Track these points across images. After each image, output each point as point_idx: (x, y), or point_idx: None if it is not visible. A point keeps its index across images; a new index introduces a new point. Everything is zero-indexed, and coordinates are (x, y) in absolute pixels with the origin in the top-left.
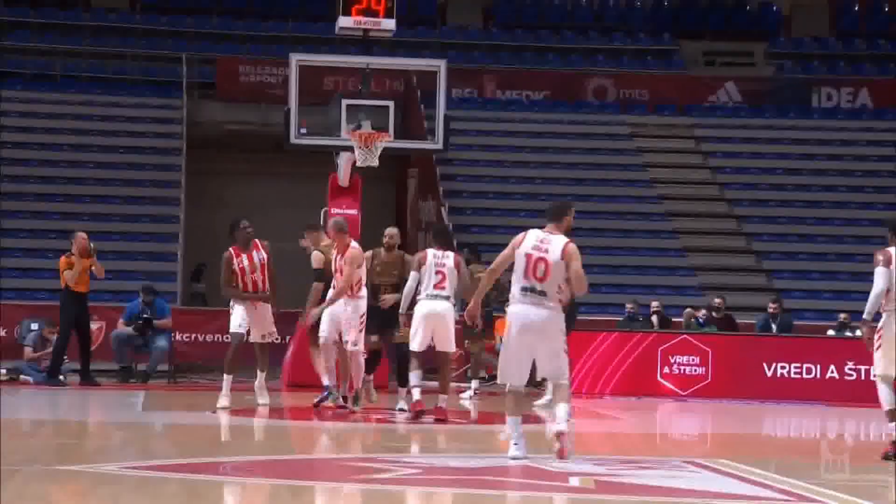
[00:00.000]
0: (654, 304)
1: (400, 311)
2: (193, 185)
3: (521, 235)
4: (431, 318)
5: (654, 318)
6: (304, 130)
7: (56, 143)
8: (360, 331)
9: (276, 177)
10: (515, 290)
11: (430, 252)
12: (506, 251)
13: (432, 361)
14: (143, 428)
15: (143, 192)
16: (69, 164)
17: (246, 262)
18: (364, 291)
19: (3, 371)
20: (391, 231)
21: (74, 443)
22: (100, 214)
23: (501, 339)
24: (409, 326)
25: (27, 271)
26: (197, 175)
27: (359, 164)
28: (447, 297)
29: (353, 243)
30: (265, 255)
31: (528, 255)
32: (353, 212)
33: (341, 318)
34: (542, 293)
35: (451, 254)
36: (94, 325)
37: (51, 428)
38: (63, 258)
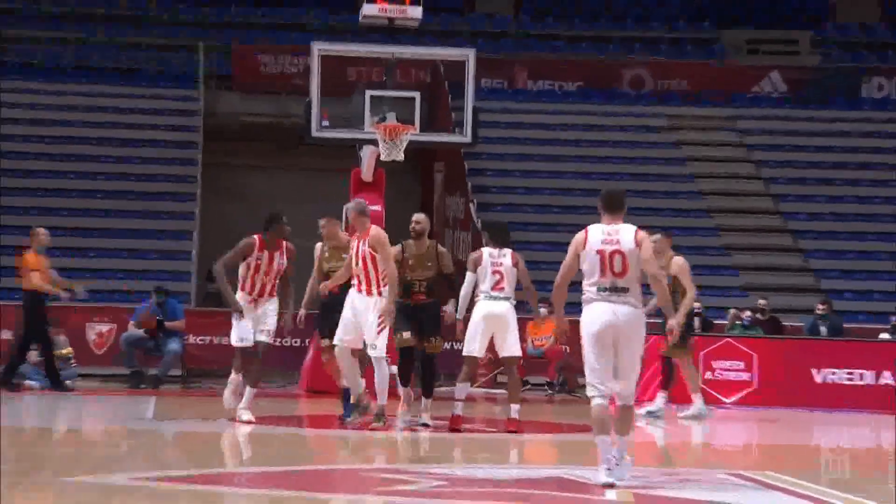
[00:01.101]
0: (696, 305)
1: (457, 315)
2: (210, 179)
3: (580, 235)
4: (491, 321)
5: (696, 321)
6: (325, 123)
7: (66, 136)
8: (381, 333)
9: (296, 171)
10: (591, 290)
11: (486, 251)
12: (568, 259)
13: (450, 367)
14: (153, 436)
15: (158, 188)
16: (79, 158)
17: (265, 261)
18: (386, 288)
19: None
20: (419, 217)
21: (81, 452)
22: (112, 210)
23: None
24: (464, 331)
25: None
26: (214, 169)
27: (383, 158)
28: (507, 299)
29: (376, 227)
30: (285, 263)
31: (599, 252)
32: (377, 208)
33: (359, 320)
34: (624, 290)
35: (507, 252)
36: (103, 328)
37: (57, 436)
38: (30, 256)
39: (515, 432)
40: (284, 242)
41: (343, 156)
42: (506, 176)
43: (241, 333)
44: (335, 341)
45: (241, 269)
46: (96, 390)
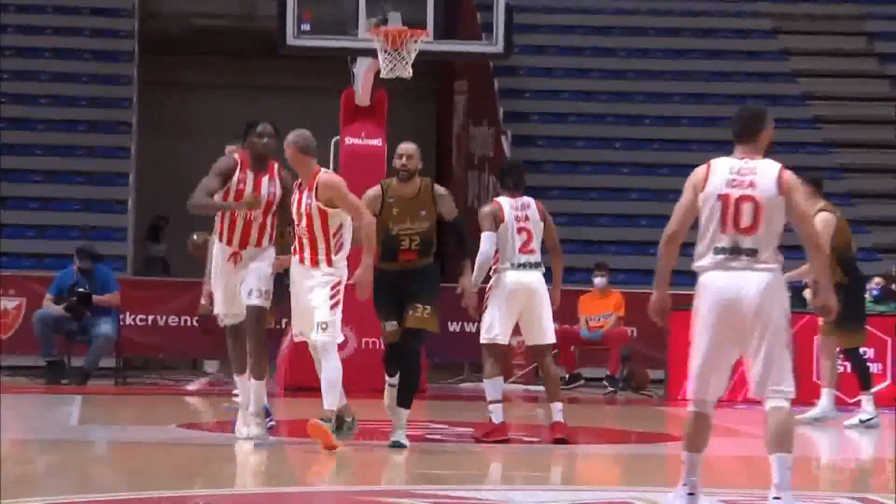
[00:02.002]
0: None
1: (472, 285)
2: (149, 104)
3: (700, 170)
4: (520, 298)
5: (807, 294)
6: (306, 27)
7: None
8: (333, 310)
9: (267, 93)
10: (704, 253)
11: (506, 202)
12: (683, 201)
13: (470, 353)
14: (79, 447)
15: (79, 114)
16: None
17: (249, 184)
18: (343, 254)
19: None
20: (405, 148)
21: None
22: (17, 145)
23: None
24: (479, 308)
25: None
26: (154, 90)
27: (384, 74)
28: (538, 266)
29: (325, 170)
30: (279, 189)
31: (722, 198)
32: (376, 142)
33: (304, 302)
34: (753, 252)
35: (530, 200)
36: (9, 304)
37: None
38: None
39: (564, 441)
40: (274, 164)
41: (330, 72)
42: (551, 98)
43: (222, 306)
44: (296, 334)
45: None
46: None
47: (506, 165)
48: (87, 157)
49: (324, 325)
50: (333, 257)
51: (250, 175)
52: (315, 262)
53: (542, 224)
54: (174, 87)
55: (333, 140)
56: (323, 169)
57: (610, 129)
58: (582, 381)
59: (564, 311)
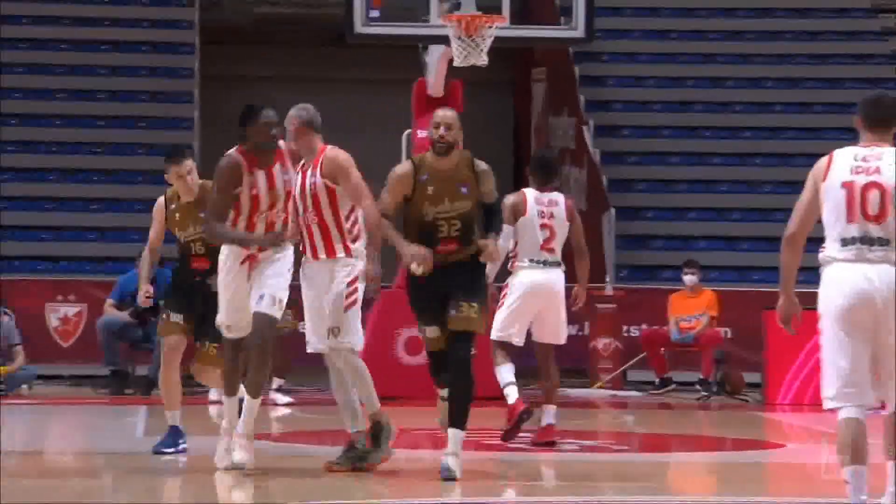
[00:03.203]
0: None
1: (488, 278)
2: (212, 99)
3: (822, 162)
4: (537, 297)
5: None
6: (375, 13)
7: (4, 38)
8: (349, 310)
9: (335, 85)
10: (831, 244)
11: (532, 195)
12: (803, 198)
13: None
14: (145, 461)
15: (139, 110)
16: (27, 69)
17: (262, 184)
18: (361, 244)
19: None
20: (443, 115)
21: (45, 485)
22: (75, 144)
23: None
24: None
25: None
26: (217, 84)
27: (458, 63)
28: (558, 264)
29: (333, 147)
30: (294, 173)
31: (846, 186)
32: None
33: (322, 297)
34: (884, 242)
35: (560, 197)
36: (70, 310)
37: (10, 462)
38: None
39: (550, 443)
40: (284, 151)
41: (402, 62)
42: (636, 86)
43: (227, 317)
44: (312, 348)
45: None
46: (61, 398)
47: (535, 157)
48: (147, 154)
49: (336, 331)
50: (351, 245)
51: (260, 175)
52: (332, 252)
53: (567, 225)
54: (237, 80)
55: (405, 133)
56: (330, 147)
57: (698, 117)
58: (673, 386)
59: (653, 312)
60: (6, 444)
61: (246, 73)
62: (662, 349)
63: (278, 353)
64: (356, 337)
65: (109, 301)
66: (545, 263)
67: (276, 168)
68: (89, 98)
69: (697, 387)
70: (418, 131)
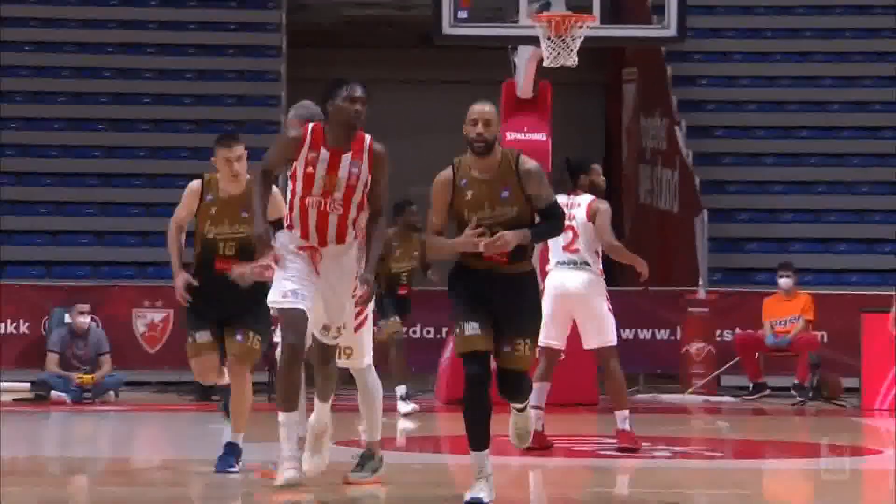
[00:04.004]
0: None
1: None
2: (299, 100)
3: None
4: (565, 301)
5: None
6: (464, 14)
7: (92, 43)
8: (365, 325)
9: (423, 87)
10: None
11: (560, 199)
12: None
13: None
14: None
15: (225, 114)
16: (116, 73)
17: (322, 165)
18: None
19: (28, 385)
20: (481, 110)
21: (130, 492)
22: (161, 148)
23: None
24: None
25: (55, 234)
26: (304, 87)
27: (547, 63)
28: (584, 265)
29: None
30: (365, 172)
31: None
32: (540, 136)
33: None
34: None
35: (585, 198)
36: (157, 316)
37: (97, 468)
38: None
39: (631, 449)
40: (366, 138)
41: (489, 63)
42: (728, 85)
43: (288, 287)
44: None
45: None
46: (147, 405)
47: (560, 162)
48: None
49: (349, 351)
50: (357, 238)
51: (324, 154)
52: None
53: (590, 225)
54: (323, 83)
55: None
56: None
57: (794, 117)
58: (767, 391)
59: (747, 316)
60: (94, 451)
61: (331, 76)
62: (757, 353)
63: (401, 360)
64: (369, 356)
65: None
66: (570, 265)
67: (347, 156)
68: (176, 103)
69: (793, 392)
70: (507, 133)
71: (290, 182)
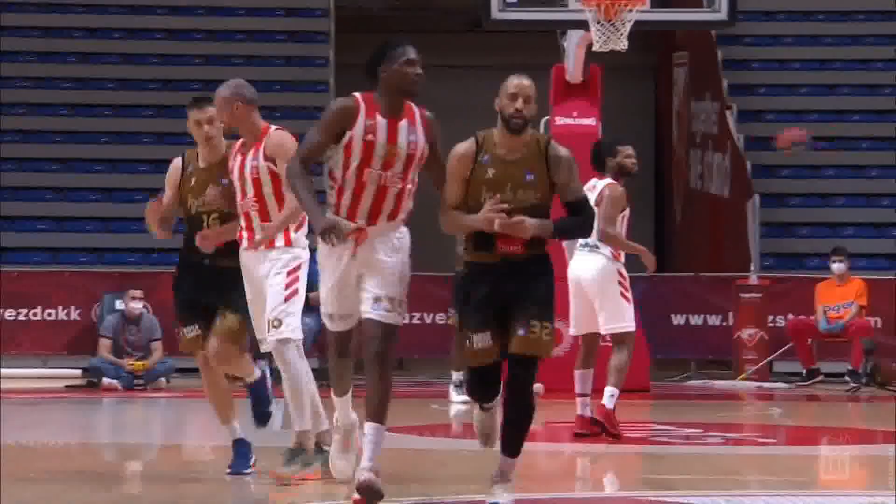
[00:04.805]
0: None
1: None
2: (346, 87)
3: None
4: (578, 285)
5: None
6: None
7: (139, 29)
8: (289, 301)
9: (472, 72)
10: None
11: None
12: None
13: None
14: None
15: (274, 100)
16: (160, 59)
17: (382, 133)
18: (304, 231)
19: (80, 372)
20: (520, 85)
21: (182, 477)
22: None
23: None
24: None
25: (107, 221)
26: (352, 72)
27: (597, 48)
28: (597, 247)
29: (276, 127)
30: (422, 139)
31: None
32: (590, 121)
33: (262, 279)
34: None
35: (600, 182)
36: None
37: (150, 455)
38: None
39: (599, 423)
40: (413, 106)
41: (538, 47)
42: (780, 68)
43: (332, 305)
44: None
45: (332, 165)
46: (198, 391)
47: (593, 145)
48: None
49: (276, 322)
50: (293, 234)
51: (381, 122)
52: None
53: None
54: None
55: (543, 120)
56: (273, 126)
57: (846, 100)
58: (821, 377)
59: (799, 302)
60: (146, 437)
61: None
62: (809, 339)
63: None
64: (295, 328)
65: None
66: (584, 248)
67: (403, 125)
68: None
69: (846, 378)
70: (556, 118)
71: (341, 156)
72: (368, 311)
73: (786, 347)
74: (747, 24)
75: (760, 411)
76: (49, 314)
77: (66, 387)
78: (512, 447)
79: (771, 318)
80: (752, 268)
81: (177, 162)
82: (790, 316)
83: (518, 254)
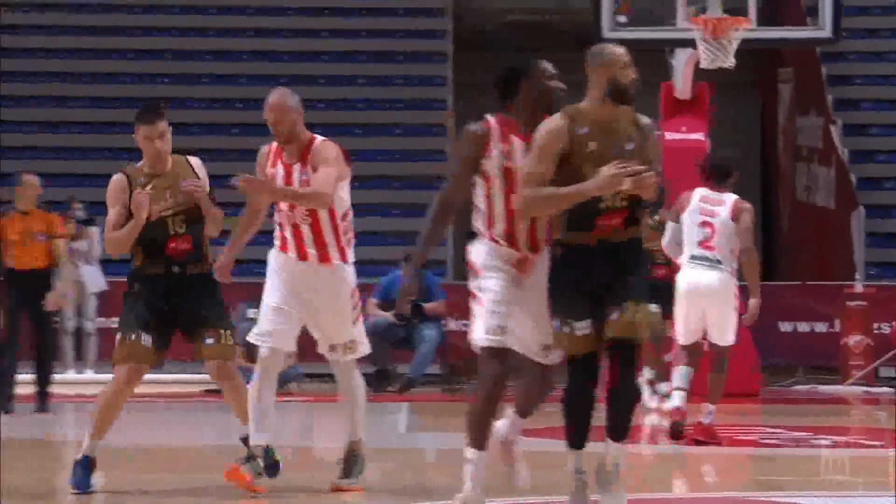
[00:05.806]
0: None
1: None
2: (465, 105)
3: None
4: (698, 298)
5: None
6: (623, 18)
7: (261, 52)
8: (356, 324)
9: (582, 89)
10: None
11: (700, 193)
12: None
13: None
14: (409, 455)
15: (394, 118)
16: (290, 80)
17: (520, 156)
18: (352, 248)
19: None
20: (625, 52)
21: (315, 477)
22: None
23: None
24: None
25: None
26: (469, 90)
27: (704, 65)
28: (718, 263)
29: (323, 139)
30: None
31: None
32: (699, 136)
33: (305, 305)
34: None
35: (729, 197)
36: None
37: (286, 455)
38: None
39: (704, 442)
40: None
41: (649, 65)
42: (884, 83)
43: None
44: (253, 338)
45: (478, 195)
46: (327, 395)
47: (712, 161)
48: (403, 160)
49: (350, 345)
50: (347, 250)
51: (517, 143)
52: (327, 258)
53: (732, 225)
54: (489, 87)
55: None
56: (320, 137)
57: None
58: None
59: None
60: (280, 440)
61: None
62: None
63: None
64: (364, 346)
65: (374, 301)
66: (704, 262)
67: (517, 142)
68: (350, 108)
69: None
70: (666, 133)
71: (482, 187)
72: (534, 352)
73: (891, 353)
74: (851, 42)
75: (867, 415)
76: None
77: (204, 391)
78: (617, 428)
79: (876, 325)
80: (858, 276)
81: (120, 179)
82: (895, 323)
83: (619, 232)
